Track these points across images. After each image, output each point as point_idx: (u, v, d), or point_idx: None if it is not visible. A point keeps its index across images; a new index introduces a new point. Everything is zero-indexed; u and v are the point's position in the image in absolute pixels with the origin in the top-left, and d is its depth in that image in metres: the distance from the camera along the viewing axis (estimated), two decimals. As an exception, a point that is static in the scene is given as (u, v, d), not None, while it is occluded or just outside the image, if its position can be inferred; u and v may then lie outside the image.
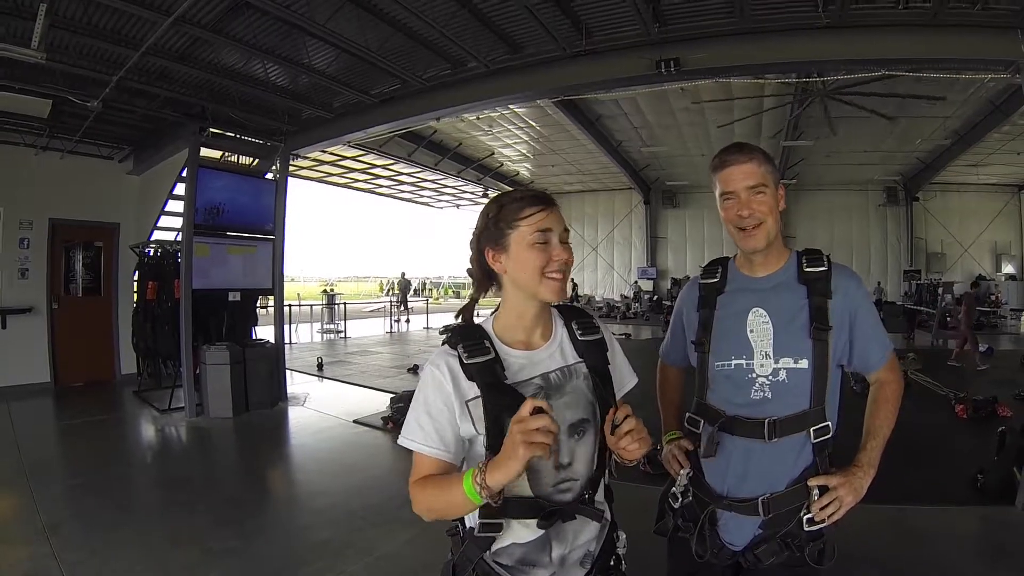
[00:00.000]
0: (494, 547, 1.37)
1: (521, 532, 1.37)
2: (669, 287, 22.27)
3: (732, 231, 1.74)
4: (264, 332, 9.10)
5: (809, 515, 1.61)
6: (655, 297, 22.02)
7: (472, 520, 1.39)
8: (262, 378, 7.80)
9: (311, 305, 19.47)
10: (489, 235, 1.44)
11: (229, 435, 6.87)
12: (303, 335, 17.06)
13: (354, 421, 7.20)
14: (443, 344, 1.44)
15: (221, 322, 8.02)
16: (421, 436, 1.36)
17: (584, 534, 1.42)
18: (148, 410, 7.76)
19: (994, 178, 18.07)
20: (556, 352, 1.48)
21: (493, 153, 17.84)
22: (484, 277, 1.49)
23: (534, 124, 14.97)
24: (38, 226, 8.84)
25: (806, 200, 20.98)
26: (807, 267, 1.71)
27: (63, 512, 4.44)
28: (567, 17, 5.73)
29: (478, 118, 13.44)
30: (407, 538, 4.07)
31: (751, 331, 1.71)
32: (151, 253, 8.70)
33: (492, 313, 1.52)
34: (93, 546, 3.88)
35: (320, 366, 11.17)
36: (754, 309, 1.72)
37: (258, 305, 9.23)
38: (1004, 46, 4.99)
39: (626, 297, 23.22)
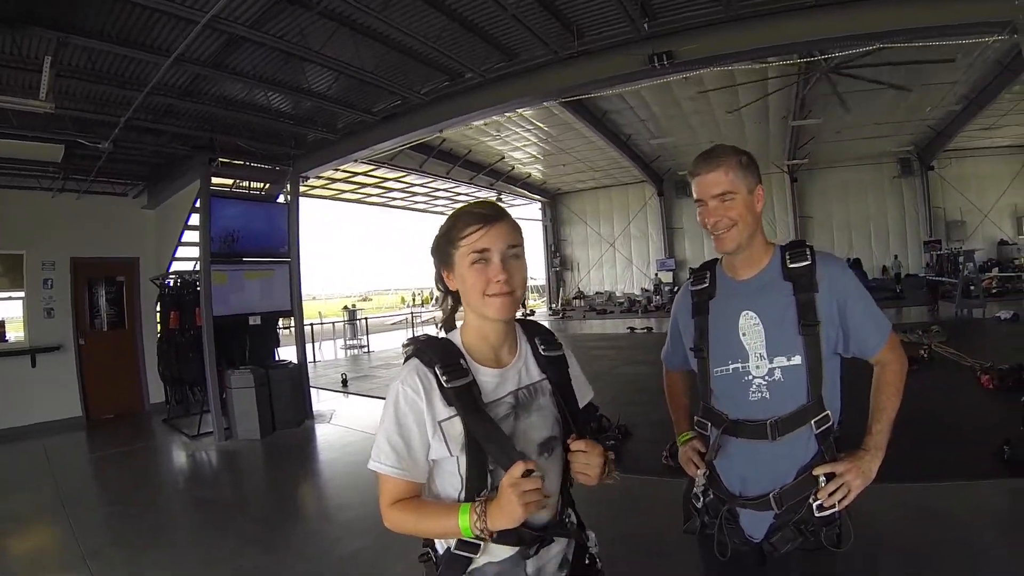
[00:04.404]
0: (469, 567, 1.36)
1: (496, 551, 1.36)
2: (688, 277, 22.27)
3: (707, 233, 1.78)
4: (287, 352, 9.21)
5: (819, 502, 1.64)
6: (675, 288, 21.92)
7: (445, 543, 1.39)
8: (287, 398, 7.93)
9: (333, 322, 19.64)
10: (440, 253, 1.43)
11: (258, 456, 7.00)
12: (327, 352, 17.20)
13: (380, 434, 7.24)
14: (410, 359, 1.41)
15: (243, 346, 8.16)
16: (394, 459, 1.34)
17: (555, 546, 1.44)
18: (178, 436, 7.94)
19: (1008, 140, 17.77)
20: (523, 368, 1.48)
21: (504, 157, 17.94)
22: (446, 293, 1.49)
23: (541, 125, 15.04)
24: (60, 266, 9.08)
25: (820, 178, 20.92)
26: (790, 263, 1.72)
27: (101, 539, 4.57)
28: (557, 20, 5.80)
29: (485, 124, 13.49)
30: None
31: (744, 334, 1.73)
32: (171, 284, 8.87)
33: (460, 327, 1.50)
34: (131, 570, 4.01)
35: (345, 382, 11.27)
36: (744, 312, 1.74)
37: (279, 326, 9.35)
38: (999, 7, 4.94)
39: (647, 291, 23.19)
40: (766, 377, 1.69)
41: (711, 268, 1.91)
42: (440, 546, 1.42)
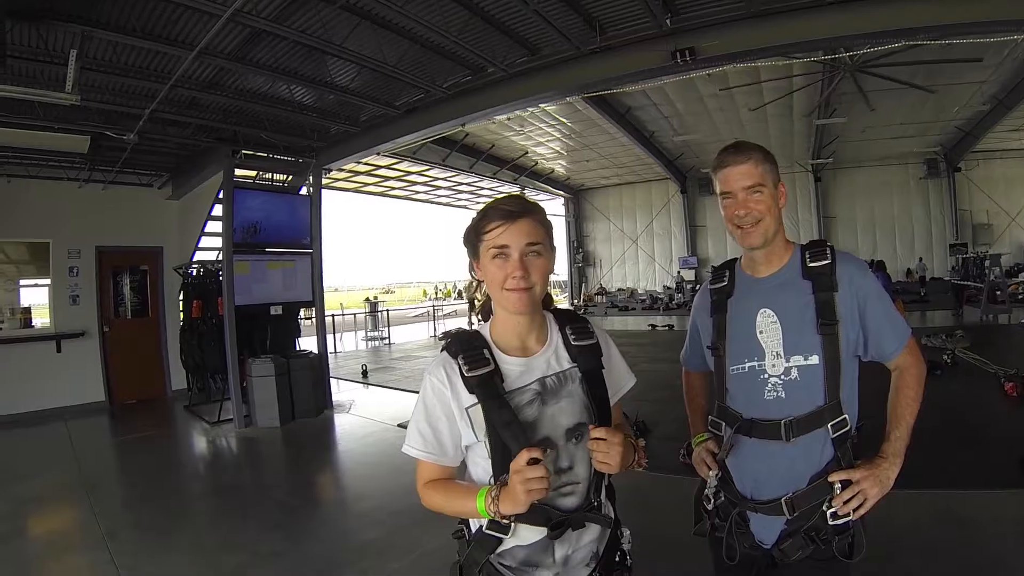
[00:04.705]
0: (498, 549, 1.42)
1: (525, 534, 1.40)
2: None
3: (731, 229, 1.75)
4: (308, 343, 9.30)
5: (833, 509, 1.60)
6: (697, 286, 21.79)
7: (477, 522, 1.45)
8: (307, 387, 8.01)
9: (355, 314, 19.75)
10: (470, 244, 1.50)
11: (277, 444, 7.08)
12: (348, 343, 17.34)
13: (398, 425, 7.27)
14: (442, 351, 1.50)
15: (265, 335, 8.26)
16: (422, 444, 1.45)
17: (587, 535, 1.46)
18: (199, 423, 8.07)
19: (1038, 141, 17.29)
20: (552, 357, 1.51)
21: (527, 152, 17.93)
22: (479, 282, 1.54)
23: (565, 120, 15.04)
24: (85, 254, 9.29)
25: (844, 178, 20.62)
26: (810, 262, 1.71)
27: (120, 521, 4.68)
28: (579, 16, 5.78)
29: (508, 119, 13.48)
30: (449, 534, 4.16)
31: (760, 332, 1.71)
32: (194, 273, 9.00)
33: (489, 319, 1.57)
34: (149, 552, 4.10)
35: (365, 373, 11.33)
36: (762, 310, 1.72)
37: (301, 317, 9.43)
38: (1027, 5, 4.83)
39: (669, 288, 23.06)
40: (782, 376, 1.67)
41: (730, 267, 1.89)
42: (473, 525, 1.49)
